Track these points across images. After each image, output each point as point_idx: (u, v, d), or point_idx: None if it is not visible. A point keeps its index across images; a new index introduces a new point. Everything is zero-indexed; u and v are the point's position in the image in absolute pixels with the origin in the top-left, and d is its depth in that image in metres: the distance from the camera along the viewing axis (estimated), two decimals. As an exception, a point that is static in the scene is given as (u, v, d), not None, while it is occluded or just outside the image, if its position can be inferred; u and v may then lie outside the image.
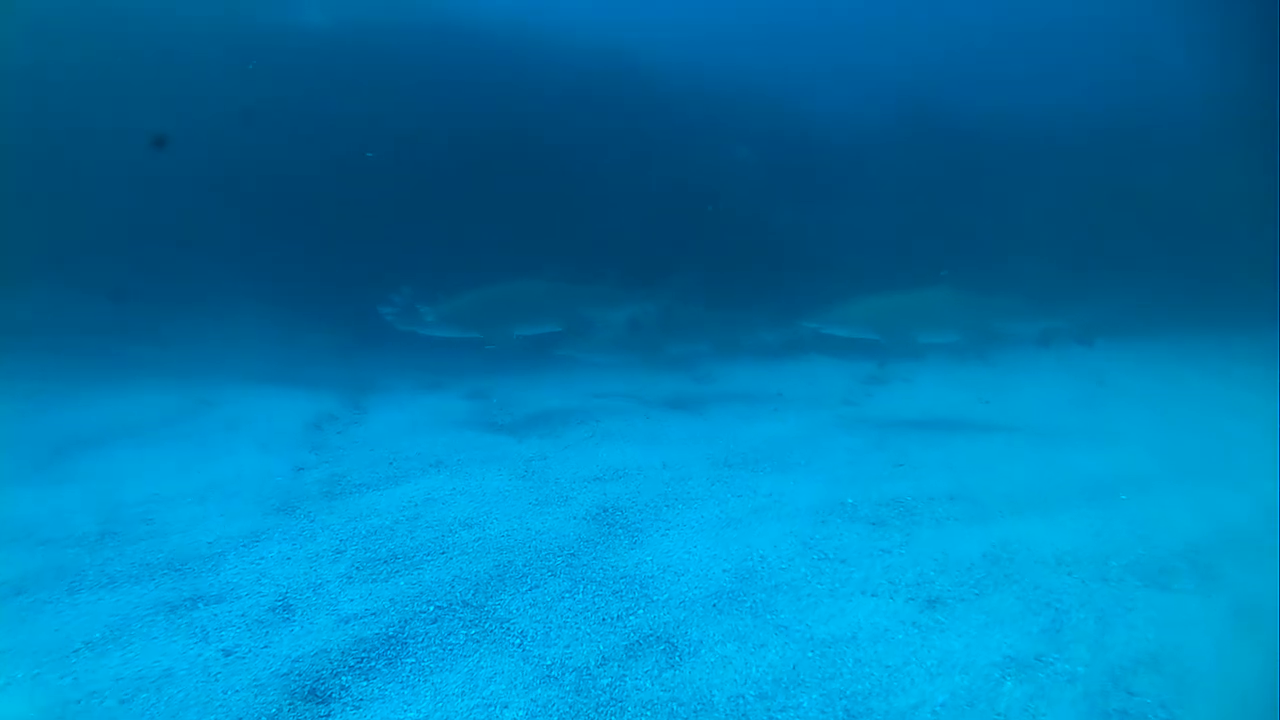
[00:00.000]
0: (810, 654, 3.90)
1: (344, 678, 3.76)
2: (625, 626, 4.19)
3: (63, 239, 12.16)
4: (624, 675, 3.77)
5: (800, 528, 5.42)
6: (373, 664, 3.88)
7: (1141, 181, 11.78)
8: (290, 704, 3.52)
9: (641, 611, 4.34)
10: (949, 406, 8.96)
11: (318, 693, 3.64)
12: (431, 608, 4.39)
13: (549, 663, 3.90)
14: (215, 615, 4.19)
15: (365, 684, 3.73)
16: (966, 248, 10.41)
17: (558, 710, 3.51)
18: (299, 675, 3.72)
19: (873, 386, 10.08)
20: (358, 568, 4.80)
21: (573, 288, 8.90)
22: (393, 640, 4.08)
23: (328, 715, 3.47)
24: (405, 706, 3.54)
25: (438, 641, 4.09)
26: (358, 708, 3.53)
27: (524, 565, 4.91)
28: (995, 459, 6.94)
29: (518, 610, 4.39)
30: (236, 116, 11.25)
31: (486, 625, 4.24)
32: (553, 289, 8.78)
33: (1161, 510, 5.64)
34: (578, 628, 4.19)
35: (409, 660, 3.93)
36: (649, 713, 3.50)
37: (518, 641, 4.09)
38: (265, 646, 3.90)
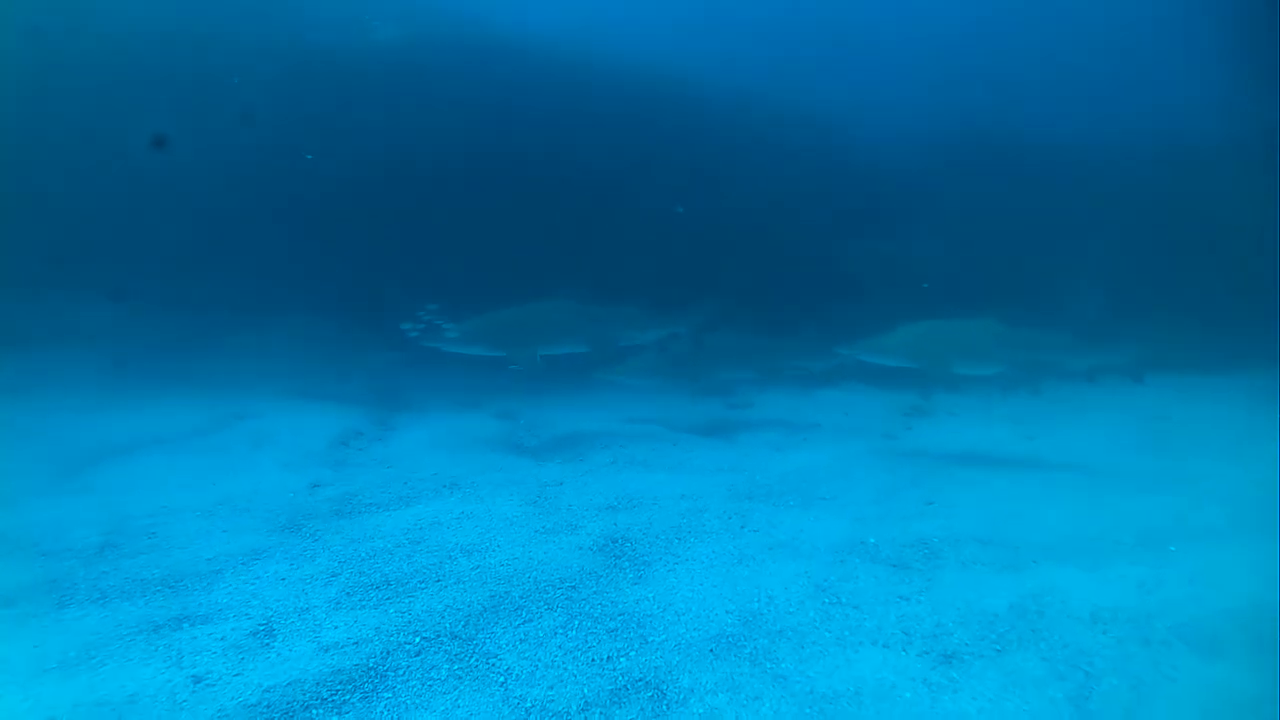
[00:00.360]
0: (808, 710, 3.61)
1: (315, 711, 3.60)
2: (614, 669, 3.95)
3: (111, 251, 12.50)
4: (604, 724, 3.53)
5: (815, 568, 5.11)
6: (347, 697, 3.72)
7: (1200, 211, 11.09)
8: (252, 737, 3.38)
9: (634, 653, 4.09)
10: (992, 442, 8.50)
11: (284, 726, 3.49)
12: (417, 639, 4.22)
13: (529, 704, 3.69)
14: (195, 638, 4.08)
15: (336, 719, 3.57)
16: (1013, 277, 9.92)
17: (528, 759, 3.29)
18: (267, 707, 3.57)
19: (914, 418, 9.66)
20: (348, 593, 4.66)
21: (601, 309, 8.74)
22: (372, 672, 3.91)
23: (288, 752, 3.32)
24: (370, 746, 3.37)
25: (418, 675, 3.91)
26: (321, 745, 3.37)
27: (520, 597, 4.71)
28: (1035, 500, 6.50)
29: (507, 645, 4.19)
30: (283, 135, 11.44)
31: (471, 660, 4.05)
32: (580, 309, 8.64)
33: (1217, 566, 5.16)
34: (565, 668, 3.97)
35: (385, 695, 3.76)
36: (625, 768, 3.26)
37: (501, 680, 3.89)
38: (238, 674, 3.77)
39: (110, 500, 6.05)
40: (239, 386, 10.90)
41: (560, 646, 4.17)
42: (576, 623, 4.42)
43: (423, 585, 4.80)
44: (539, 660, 4.05)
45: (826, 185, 11.79)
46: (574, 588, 4.86)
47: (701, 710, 3.61)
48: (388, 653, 4.07)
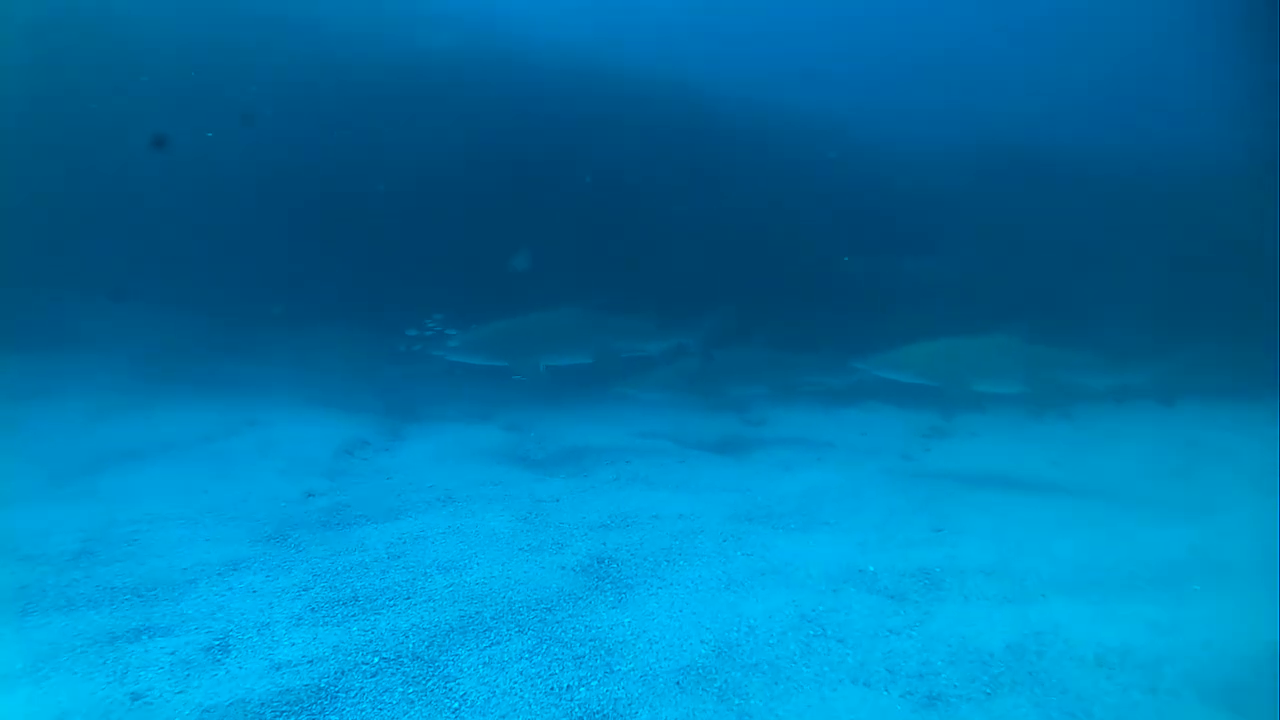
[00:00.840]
0: (771, 753, 3.37)
1: (254, 733, 3.47)
2: (572, 699, 3.75)
3: (134, 257, 12.68)
4: (551, 759, 3.34)
5: (805, 597, 4.85)
6: (291, 719, 3.58)
7: (1235, 227, 10.43)
8: (183, 760, 3.25)
9: (595, 683, 3.89)
10: (1012, 466, 8.11)
11: (220, 749, 3.36)
12: (376, 659, 4.07)
13: (478, 735, 3.51)
14: (147, 651, 3.98)
15: (275, 742, 3.43)
16: (1035, 293, 9.41)
17: (464, 795, 3.11)
18: (204, 727, 3.44)
19: (933, 440, 9.29)
20: (313, 608, 4.54)
21: (607, 319, 8.55)
22: (322, 693, 3.76)
23: (217, 777, 3.18)
24: (302, 774, 3.22)
25: (370, 698, 3.75)
26: (252, 771, 3.23)
27: (491, 618, 4.54)
28: (1051, 529, 6.14)
29: (468, 669, 4.01)
30: (304, 144, 11.51)
31: (429, 683, 3.89)
32: (586, 319, 8.46)
33: (1241, 607, 4.79)
34: (522, 695, 3.79)
35: (332, 717, 3.61)
36: (565, 809, 3.05)
37: (455, 705, 3.72)
38: (180, 692, 3.65)
39: (99, 506, 6.03)
40: (258, 393, 10.95)
41: (522, 672, 3.98)
42: (545, 647, 4.23)
43: (391, 602, 4.65)
44: (497, 687, 3.87)
45: (845, 197, 11.46)
46: (549, 609, 4.67)
47: (656, 748, 3.40)
48: (342, 673, 3.93)
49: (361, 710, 3.67)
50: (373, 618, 4.47)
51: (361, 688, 3.82)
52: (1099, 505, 6.82)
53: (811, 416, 10.63)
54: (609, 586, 5.04)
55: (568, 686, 3.86)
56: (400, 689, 3.83)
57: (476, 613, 4.59)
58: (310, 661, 3.99)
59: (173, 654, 3.95)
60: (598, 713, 3.65)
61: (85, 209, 12.48)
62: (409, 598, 4.72)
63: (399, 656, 4.10)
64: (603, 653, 4.18)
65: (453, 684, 3.89)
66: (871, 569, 5.30)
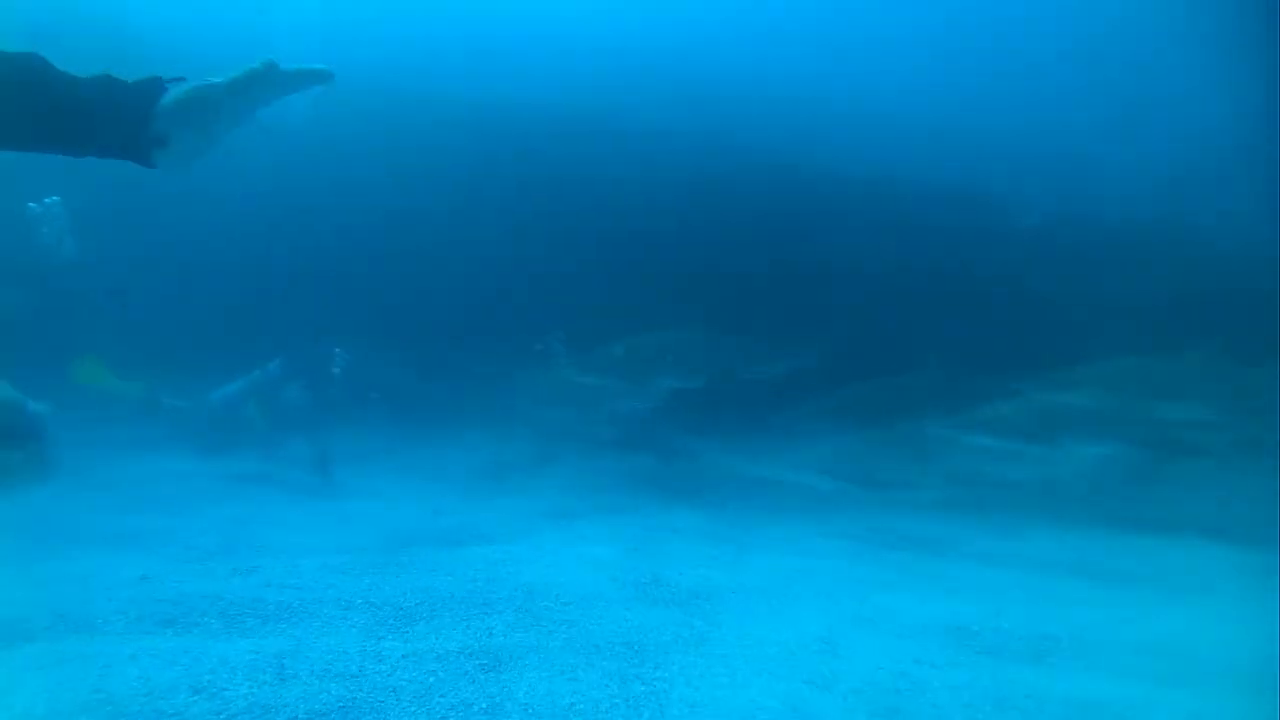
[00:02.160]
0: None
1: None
2: (582, 750, 3.50)
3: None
4: (542, 811, 3.11)
5: (908, 650, 4.25)
6: (306, 734, 3.63)
7: None
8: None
9: (621, 732, 3.61)
10: (1228, 520, 6.69)
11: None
12: (423, 678, 4.06)
13: (478, 772, 3.37)
14: (225, 655, 4.23)
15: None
16: (1238, 302, 7.57)
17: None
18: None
19: (1135, 485, 7.90)
20: (381, 623, 4.63)
21: (724, 338, 8.28)
22: (349, 709, 3.80)
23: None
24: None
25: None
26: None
27: (557, 649, 4.39)
28: (1258, 602, 4.96)
29: (515, 702, 3.88)
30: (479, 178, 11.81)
31: (467, 713, 3.80)
32: (700, 340, 8.22)
33: None
34: (533, 737, 3.59)
35: (345, 738, 3.62)
36: None
37: (473, 739, 3.60)
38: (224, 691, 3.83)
39: (250, 515, 6.67)
40: (429, 414, 11.50)
41: (566, 709, 3.79)
42: (603, 684, 4.01)
43: (461, 623, 4.65)
44: (515, 723, 3.70)
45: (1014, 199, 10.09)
46: (619, 645, 4.44)
47: (655, 813, 3.06)
48: (378, 690, 3.93)
49: (370, 734, 3.64)
50: (432, 639, 4.47)
51: (393, 706, 3.82)
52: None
53: (990, 451, 9.51)
54: (688, 624, 4.72)
55: (578, 736, 3.61)
56: (434, 714, 3.78)
57: (537, 644, 4.46)
58: (354, 676, 4.05)
59: (225, 660, 4.15)
60: (603, 766, 3.37)
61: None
62: (481, 618, 4.70)
63: (444, 680, 4.06)
64: (629, 705, 3.87)
65: (489, 718, 3.77)
66: (1006, 626, 4.54)
